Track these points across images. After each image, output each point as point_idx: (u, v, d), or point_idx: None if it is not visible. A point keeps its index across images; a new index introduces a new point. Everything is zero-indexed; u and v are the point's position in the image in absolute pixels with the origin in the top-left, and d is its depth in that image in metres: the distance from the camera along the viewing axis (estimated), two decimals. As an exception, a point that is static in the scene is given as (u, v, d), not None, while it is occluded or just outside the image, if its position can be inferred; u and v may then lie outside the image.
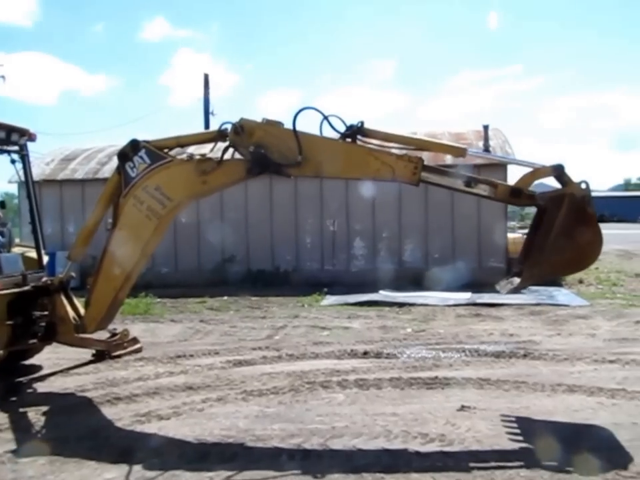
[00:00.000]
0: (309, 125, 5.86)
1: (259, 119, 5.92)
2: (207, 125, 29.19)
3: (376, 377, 7.15)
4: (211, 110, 29.55)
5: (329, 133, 5.93)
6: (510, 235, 17.38)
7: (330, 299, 13.64)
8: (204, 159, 6.08)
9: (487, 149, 18.45)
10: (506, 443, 5.15)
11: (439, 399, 6.36)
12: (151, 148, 6.21)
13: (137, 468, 4.80)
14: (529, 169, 5.77)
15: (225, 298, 13.99)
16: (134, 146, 6.26)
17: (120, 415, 6.00)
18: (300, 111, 5.75)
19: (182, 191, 6.20)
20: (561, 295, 13.94)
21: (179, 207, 6.48)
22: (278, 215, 16.67)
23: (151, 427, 5.69)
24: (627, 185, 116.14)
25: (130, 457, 4.96)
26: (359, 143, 5.89)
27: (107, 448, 5.16)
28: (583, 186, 5.39)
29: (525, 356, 8.08)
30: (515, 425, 5.55)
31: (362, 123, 5.90)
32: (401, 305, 12.64)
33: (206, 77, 29.58)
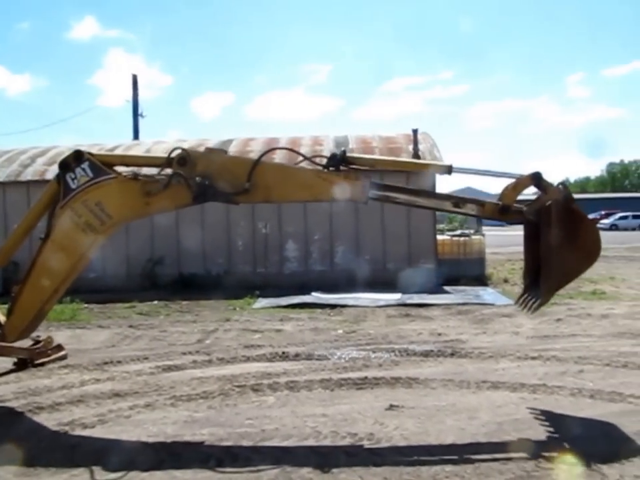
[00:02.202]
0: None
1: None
2: (135, 127, 28.60)
3: (307, 378, 7.18)
4: (140, 112, 28.99)
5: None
6: (439, 237, 17.81)
7: (262, 302, 13.58)
8: (150, 180, 5.89)
9: (416, 152, 18.97)
10: (432, 439, 5.27)
11: (368, 398, 6.43)
12: (95, 161, 5.96)
13: (59, 478, 4.65)
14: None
15: (155, 302, 13.72)
16: (77, 157, 5.98)
17: (42, 425, 5.80)
18: (269, 150, 5.82)
19: (123, 209, 6.00)
20: (487, 294, 14.36)
21: (117, 225, 6.27)
22: (209, 218, 16.46)
23: (74, 436, 5.52)
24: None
25: (52, 467, 4.80)
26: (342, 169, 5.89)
27: (28, 459, 4.95)
28: (561, 187, 5.67)
29: (452, 355, 8.29)
30: (441, 421, 5.69)
31: (344, 151, 5.93)
32: (332, 306, 12.72)
33: (134, 78, 29.04)
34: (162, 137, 19.76)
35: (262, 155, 5.86)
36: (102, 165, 5.97)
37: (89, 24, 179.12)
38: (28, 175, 16.89)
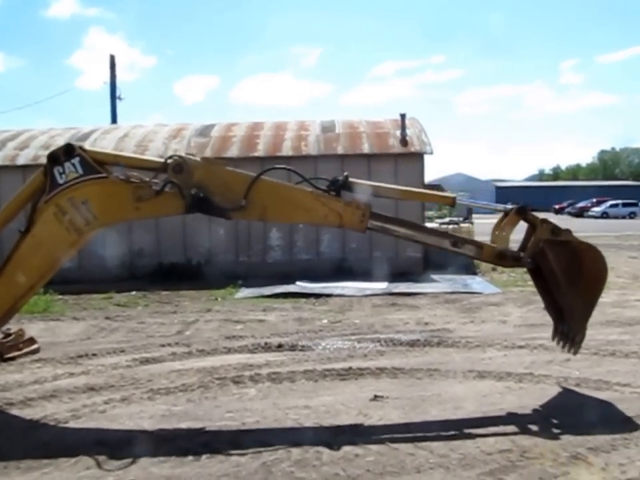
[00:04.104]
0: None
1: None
2: (113, 110, 27.99)
3: (290, 369, 7.00)
4: (118, 94, 28.37)
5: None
6: (428, 225, 17.66)
7: (245, 292, 13.33)
8: (142, 184, 5.59)
9: (403, 137, 18.73)
10: (416, 430, 5.15)
11: (353, 389, 6.29)
12: (87, 158, 5.64)
13: (30, 477, 4.46)
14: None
15: (134, 293, 13.37)
16: (68, 151, 5.65)
17: (12, 422, 5.58)
18: (268, 169, 5.63)
19: (111, 211, 5.73)
20: (475, 283, 14.22)
21: (102, 227, 5.97)
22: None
23: (46, 433, 5.30)
24: (541, 175, 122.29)
25: (22, 465, 4.62)
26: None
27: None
28: (545, 224, 5.72)
29: (438, 344, 8.16)
30: (426, 412, 5.58)
31: (346, 176, 5.75)
32: (317, 296, 12.51)
33: (112, 59, 28.27)
34: (142, 121, 19.30)
35: (262, 173, 5.63)
36: (93, 163, 5.67)
37: (68, 1, 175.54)
38: (-2, 160, 16.43)
